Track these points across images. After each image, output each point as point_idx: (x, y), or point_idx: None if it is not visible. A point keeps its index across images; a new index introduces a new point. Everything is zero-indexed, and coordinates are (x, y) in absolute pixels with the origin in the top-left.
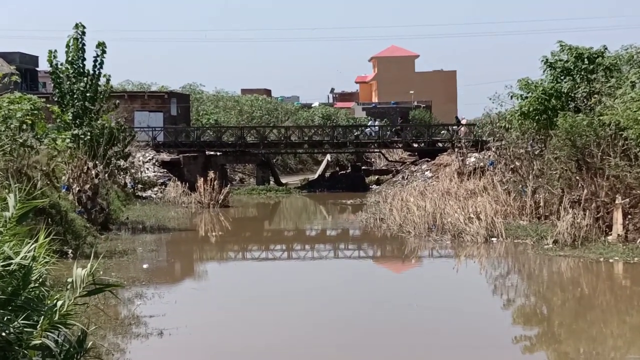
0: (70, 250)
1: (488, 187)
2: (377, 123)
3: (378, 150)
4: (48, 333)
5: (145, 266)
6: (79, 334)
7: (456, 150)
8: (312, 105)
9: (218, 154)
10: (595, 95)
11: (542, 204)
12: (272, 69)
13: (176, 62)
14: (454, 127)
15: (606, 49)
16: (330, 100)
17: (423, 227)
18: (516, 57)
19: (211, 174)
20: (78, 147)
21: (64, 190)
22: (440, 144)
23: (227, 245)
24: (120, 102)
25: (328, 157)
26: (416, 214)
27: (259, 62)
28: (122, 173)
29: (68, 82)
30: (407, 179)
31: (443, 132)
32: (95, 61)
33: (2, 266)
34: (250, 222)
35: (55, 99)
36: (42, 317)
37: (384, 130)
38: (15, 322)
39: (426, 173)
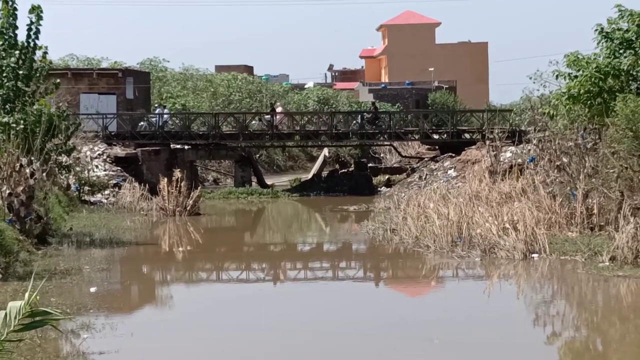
0: None
1: (527, 190)
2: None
3: (389, 143)
4: None
5: (93, 289)
6: None
7: (487, 143)
8: (306, 86)
9: (186, 147)
10: None
11: (595, 211)
12: (255, 40)
13: (133, 31)
14: (485, 113)
15: None
16: (329, 80)
17: (445, 241)
18: (563, 26)
19: (177, 173)
20: (8, 139)
21: None
22: (467, 135)
23: (197, 264)
24: (62, 81)
25: (325, 151)
26: (437, 223)
27: (238, 32)
28: (64, 172)
29: None
30: (425, 179)
31: (471, 119)
32: (29, 30)
33: None
34: (226, 234)
35: None
36: None
37: (397, 118)
38: None
39: (449, 172)
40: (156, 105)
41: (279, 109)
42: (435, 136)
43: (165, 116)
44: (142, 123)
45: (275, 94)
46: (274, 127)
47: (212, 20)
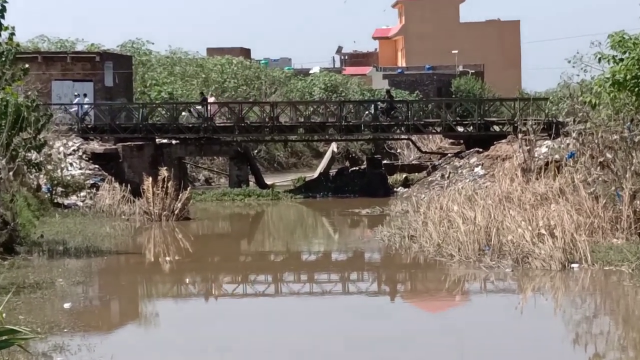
0: None
1: (566, 190)
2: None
3: (406, 137)
4: None
5: (67, 305)
6: None
7: (520, 136)
8: (311, 72)
9: (174, 142)
10: None
11: None
12: (252, 19)
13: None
14: (517, 102)
15: None
16: (337, 65)
17: (472, 249)
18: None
19: (164, 172)
20: None
21: None
22: (496, 128)
23: (186, 275)
24: (31, 67)
25: (334, 146)
26: (462, 229)
27: (233, 9)
28: (33, 170)
29: None
30: (448, 178)
31: (500, 109)
32: None
33: None
34: (220, 242)
35: None
36: None
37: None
38: None
39: (476, 169)
40: (75, 94)
41: (211, 99)
42: (460, 129)
43: (85, 107)
44: (184, 114)
45: (276, 81)
46: (209, 120)
47: None
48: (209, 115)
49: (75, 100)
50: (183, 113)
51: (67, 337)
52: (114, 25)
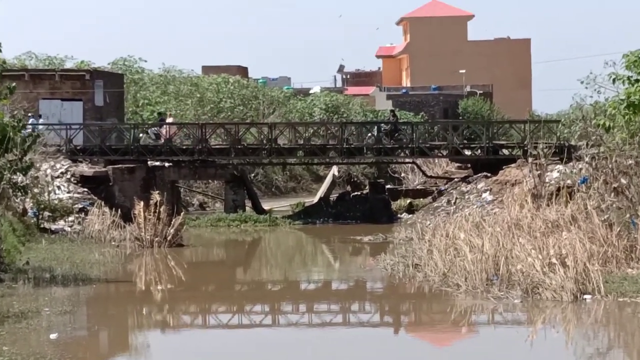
0: None
1: (579, 217)
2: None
3: (411, 161)
4: None
5: (54, 336)
6: None
7: (530, 160)
8: (311, 92)
9: (166, 165)
10: None
11: None
12: (250, 37)
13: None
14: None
15: None
16: (339, 84)
17: (479, 278)
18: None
19: (156, 196)
20: None
21: None
22: (505, 151)
23: (179, 305)
24: (17, 85)
25: (334, 170)
26: (469, 257)
27: (229, 27)
28: (19, 194)
29: None
30: (455, 203)
31: (510, 132)
32: None
33: None
34: (215, 270)
35: None
36: None
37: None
38: None
39: (484, 195)
40: (29, 114)
41: (169, 119)
42: (467, 152)
43: (40, 127)
44: (142, 135)
45: (275, 101)
46: (168, 141)
47: (199, 12)
48: (168, 137)
49: (30, 121)
50: (141, 135)
51: None
52: (105, 42)
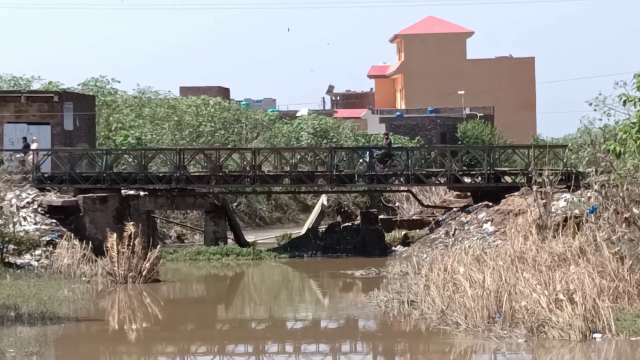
0: None
1: (587, 250)
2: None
3: (406, 189)
4: None
5: None
6: None
7: (534, 188)
8: (298, 114)
9: (142, 194)
10: None
11: None
12: (231, 55)
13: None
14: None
15: None
16: (328, 106)
17: (480, 316)
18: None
19: (130, 227)
20: None
21: None
22: (508, 179)
23: (156, 346)
24: None
25: (324, 199)
26: (469, 293)
27: (209, 44)
28: None
29: None
30: (453, 235)
31: (513, 157)
32: None
33: None
34: (194, 308)
35: None
36: None
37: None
38: None
39: (485, 226)
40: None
41: (33, 145)
42: (467, 179)
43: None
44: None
45: (258, 124)
46: (35, 168)
47: (176, 27)
48: (34, 164)
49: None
50: (5, 160)
51: None
52: (75, 62)
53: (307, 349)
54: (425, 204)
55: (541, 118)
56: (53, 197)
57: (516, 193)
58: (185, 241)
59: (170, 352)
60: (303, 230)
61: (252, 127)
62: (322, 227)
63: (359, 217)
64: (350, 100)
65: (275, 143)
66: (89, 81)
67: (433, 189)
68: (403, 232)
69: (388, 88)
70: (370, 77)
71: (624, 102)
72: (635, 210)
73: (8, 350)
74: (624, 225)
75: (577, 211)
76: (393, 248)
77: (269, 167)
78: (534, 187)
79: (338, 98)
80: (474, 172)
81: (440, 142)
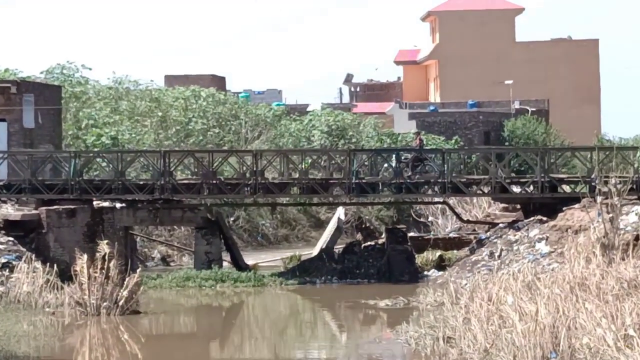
0: None
1: None
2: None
3: (441, 201)
4: None
5: None
6: None
7: (599, 199)
8: (309, 109)
9: (118, 206)
10: None
11: None
12: (227, 38)
13: (36, 24)
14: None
15: None
16: (346, 99)
17: (532, 355)
18: None
19: (104, 247)
20: None
21: None
22: (566, 188)
23: None
24: None
25: (341, 213)
26: (519, 328)
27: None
28: None
29: None
30: (500, 257)
31: (572, 162)
32: None
33: None
34: (182, 345)
35: None
36: None
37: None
38: None
39: (538, 245)
40: None
41: None
42: (516, 189)
43: None
44: None
45: (261, 121)
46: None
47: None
48: None
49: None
50: None
51: None
52: (37, 46)
53: None
54: (465, 218)
55: (607, 114)
56: (10, 210)
57: (576, 205)
58: (172, 264)
59: None
60: (315, 251)
61: (252, 125)
62: (339, 247)
63: (383, 235)
64: (373, 92)
65: (281, 144)
66: (53, 68)
67: (474, 201)
68: (437, 254)
69: (419, 77)
70: (397, 63)
71: None
72: None
73: None
74: None
75: None
76: (425, 273)
77: (273, 174)
78: (598, 199)
79: (358, 89)
80: (524, 180)
81: (484, 143)
